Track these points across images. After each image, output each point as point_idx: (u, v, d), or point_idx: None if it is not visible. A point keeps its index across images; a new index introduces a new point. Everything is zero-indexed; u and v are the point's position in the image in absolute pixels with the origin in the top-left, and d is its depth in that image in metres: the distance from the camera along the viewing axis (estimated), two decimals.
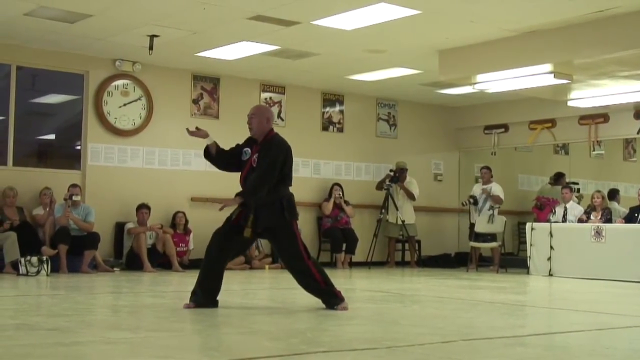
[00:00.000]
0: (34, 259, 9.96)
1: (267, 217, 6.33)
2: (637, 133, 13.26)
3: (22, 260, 9.92)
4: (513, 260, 13.94)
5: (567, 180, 14.58)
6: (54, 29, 10.19)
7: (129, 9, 9.24)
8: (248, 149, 6.49)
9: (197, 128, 6.52)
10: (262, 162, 6.31)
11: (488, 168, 13.60)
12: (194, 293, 6.37)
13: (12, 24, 9.95)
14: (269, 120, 6.52)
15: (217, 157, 6.54)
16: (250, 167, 6.39)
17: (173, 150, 12.10)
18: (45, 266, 9.97)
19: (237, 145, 6.65)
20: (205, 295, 6.33)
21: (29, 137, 11.96)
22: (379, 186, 13.83)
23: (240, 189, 6.47)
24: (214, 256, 6.40)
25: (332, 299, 6.51)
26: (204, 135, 6.46)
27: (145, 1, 8.93)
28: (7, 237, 10.14)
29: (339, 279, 10.95)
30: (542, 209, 13.21)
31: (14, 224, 10.44)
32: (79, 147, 11.83)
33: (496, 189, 13.32)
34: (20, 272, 9.87)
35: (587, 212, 12.21)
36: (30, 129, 12.04)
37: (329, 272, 12.14)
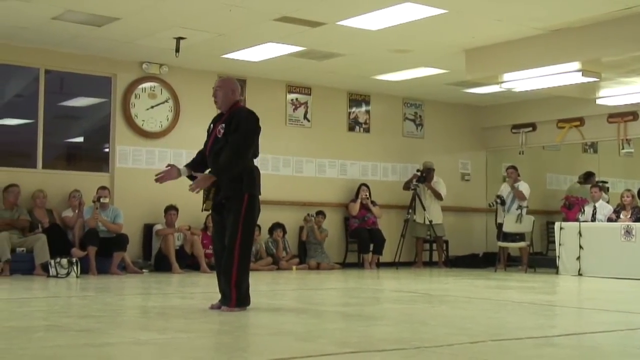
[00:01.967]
0: (64, 261, 10.04)
1: (226, 188, 6.16)
2: None
3: (52, 262, 10.00)
4: (542, 260, 13.83)
5: (597, 179, 14.44)
6: (82, 33, 10.27)
7: (156, 12, 9.29)
8: (211, 125, 6.38)
9: (167, 167, 6.44)
10: (235, 137, 6.09)
11: (514, 167, 13.51)
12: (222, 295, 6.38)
13: (41, 28, 10.04)
14: (234, 91, 6.37)
15: (200, 168, 6.43)
16: (215, 138, 6.25)
17: None
18: (74, 268, 10.04)
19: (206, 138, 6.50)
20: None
21: (57, 140, 12.05)
22: (406, 186, 13.80)
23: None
24: (219, 258, 6.38)
25: (228, 299, 6.15)
26: (175, 175, 6.40)
27: (171, 4, 8.97)
28: (37, 239, 10.24)
29: (367, 279, 10.95)
30: (571, 208, 13.12)
31: (44, 226, 10.55)
32: (107, 150, 11.91)
33: (523, 187, 13.26)
34: (50, 273, 9.95)
35: (617, 211, 12.10)
36: (59, 132, 12.13)
37: (356, 272, 12.14)
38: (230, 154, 6.10)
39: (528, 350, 4.62)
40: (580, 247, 11.72)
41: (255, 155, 6.35)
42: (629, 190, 12.54)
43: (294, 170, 13.06)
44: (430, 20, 9.41)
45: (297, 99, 13.26)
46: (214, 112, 6.65)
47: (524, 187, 13.26)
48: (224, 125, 6.24)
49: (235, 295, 6.15)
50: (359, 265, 13.25)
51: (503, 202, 13.34)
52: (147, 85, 11.99)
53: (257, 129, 6.27)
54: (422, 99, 14.70)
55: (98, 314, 6.18)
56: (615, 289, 9.64)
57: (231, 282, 6.14)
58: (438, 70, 12.18)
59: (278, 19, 9.46)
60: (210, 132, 6.39)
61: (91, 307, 6.80)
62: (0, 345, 4.45)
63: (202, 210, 6.47)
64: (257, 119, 6.28)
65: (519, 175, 13.42)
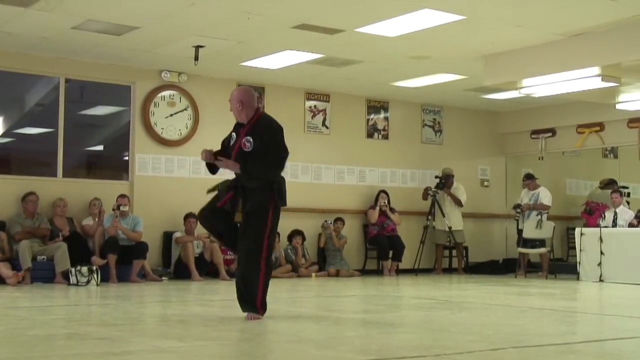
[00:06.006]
0: (84, 269, 10.09)
1: (256, 200, 6.15)
2: None
3: (73, 270, 10.05)
4: (562, 266, 13.76)
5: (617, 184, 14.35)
6: (101, 42, 10.33)
7: (175, 20, 9.33)
8: (234, 134, 6.39)
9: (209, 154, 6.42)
10: (267, 149, 6.15)
11: (530, 177, 13.41)
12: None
13: (61, 37, 10.11)
14: (253, 99, 6.41)
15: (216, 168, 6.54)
16: (239, 149, 6.25)
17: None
18: (95, 276, 10.09)
19: (224, 140, 6.57)
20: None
21: (77, 149, 12.12)
22: (424, 196, 13.75)
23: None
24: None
25: (254, 307, 6.12)
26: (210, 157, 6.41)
27: (190, 13, 9.01)
28: (58, 247, 10.29)
29: (386, 286, 10.93)
30: (592, 214, 13.04)
31: (64, 234, 10.61)
32: (126, 158, 11.97)
33: (543, 194, 13.18)
34: (71, 282, 10.00)
35: (638, 217, 12.02)
36: (79, 141, 12.20)
37: (376, 279, 12.11)
38: (268, 164, 6.16)
39: (549, 358, 4.59)
40: (602, 253, 11.63)
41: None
42: None
43: (312, 177, 13.07)
44: (448, 27, 9.40)
45: (315, 106, 13.27)
46: (232, 119, 6.65)
47: (545, 195, 13.17)
48: (249, 138, 6.22)
49: (262, 304, 6.13)
50: (378, 272, 13.23)
51: (523, 211, 13.27)
52: (166, 93, 12.04)
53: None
54: (440, 105, 14.67)
55: (118, 322, 6.20)
56: (637, 295, 9.57)
57: (259, 289, 6.08)
58: (457, 76, 12.15)
59: (296, 26, 9.48)
60: (233, 141, 6.36)
61: (111, 315, 6.82)
62: (22, 354, 4.48)
63: (234, 220, 6.39)
64: (282, 130, 6.34)
65: (537, 183, 13.35)
